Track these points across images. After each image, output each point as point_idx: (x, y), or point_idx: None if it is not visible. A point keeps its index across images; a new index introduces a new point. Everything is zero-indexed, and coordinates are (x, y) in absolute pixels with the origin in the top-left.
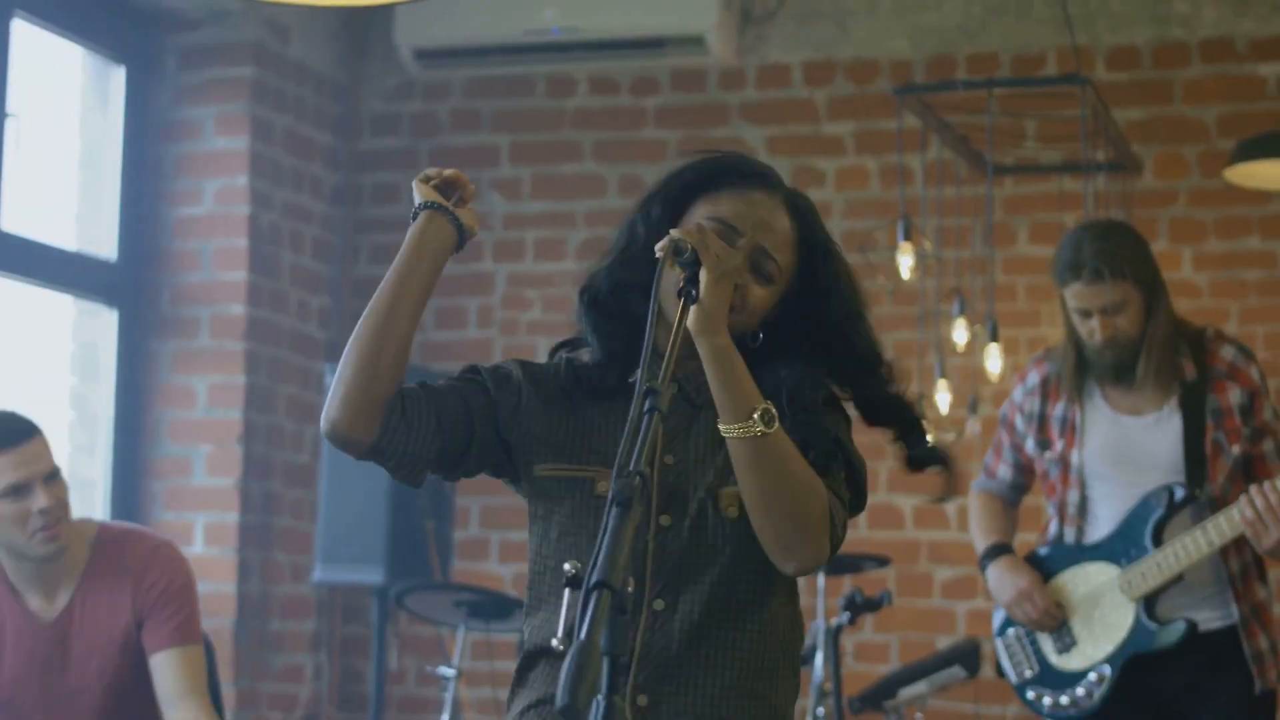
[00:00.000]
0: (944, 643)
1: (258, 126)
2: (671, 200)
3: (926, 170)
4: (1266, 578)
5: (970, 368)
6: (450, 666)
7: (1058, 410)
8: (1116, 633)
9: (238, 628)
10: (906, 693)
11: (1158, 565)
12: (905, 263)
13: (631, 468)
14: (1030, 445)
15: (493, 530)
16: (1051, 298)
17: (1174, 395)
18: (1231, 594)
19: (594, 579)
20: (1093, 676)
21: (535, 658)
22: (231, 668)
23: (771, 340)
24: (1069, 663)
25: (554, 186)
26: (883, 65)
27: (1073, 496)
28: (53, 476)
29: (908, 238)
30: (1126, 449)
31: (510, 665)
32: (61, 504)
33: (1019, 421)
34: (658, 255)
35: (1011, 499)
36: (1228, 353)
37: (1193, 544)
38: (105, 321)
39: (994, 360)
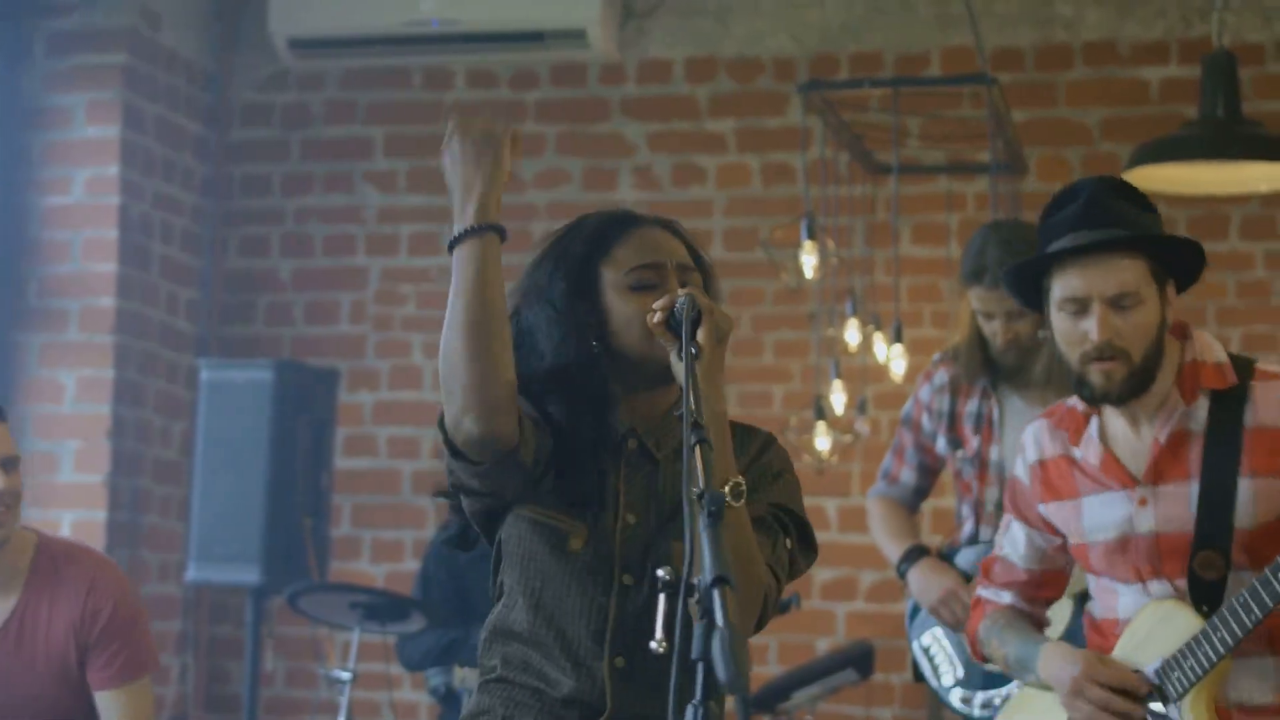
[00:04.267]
0: (823, 645)
1: (129, 115)
2: (574, 275)
3: (810, 169)
4: None
5: (860, 368)
6: (345, 669)
7: (970, 407)
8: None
9: None
10: (799, 695)
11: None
12: (809, 262)
13: (700, 488)
14: (941, 444)
15: (365, 529)
16: (936, 297)
17: None
18: None
19: (713, 575)
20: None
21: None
22: None
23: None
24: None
25: (430, 180)
26: (765, 63)
27: (991, 494)
28: (12, 464)
29: (811, 237)
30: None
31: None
32: (15, 494)
33: (926, 421)
34: (654, 323)
35: (913, 504)
36: None
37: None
38: None
39: (898, 361)
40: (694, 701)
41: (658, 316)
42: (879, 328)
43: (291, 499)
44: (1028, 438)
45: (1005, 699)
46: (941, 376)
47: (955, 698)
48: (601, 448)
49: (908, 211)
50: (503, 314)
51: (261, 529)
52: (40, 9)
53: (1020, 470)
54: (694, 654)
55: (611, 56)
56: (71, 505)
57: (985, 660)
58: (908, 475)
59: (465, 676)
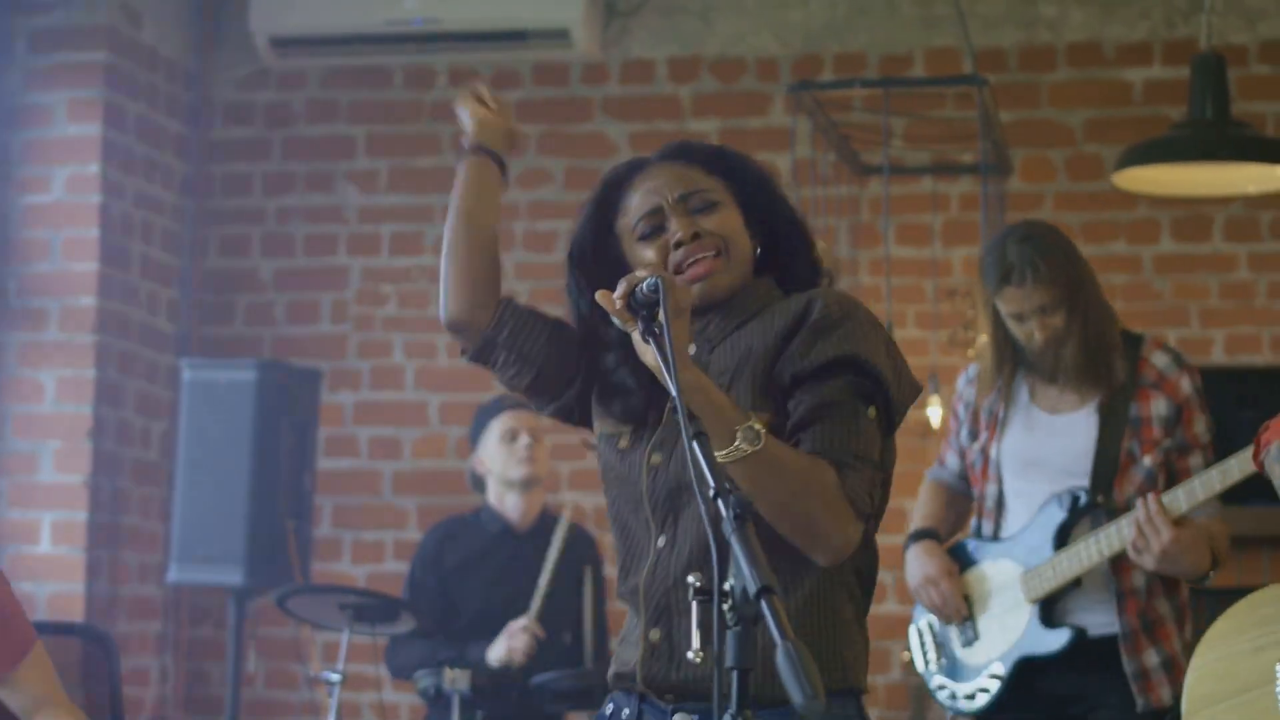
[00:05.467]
0: None
1: (110, 113)
2: (594, 241)
3: (793, 170)
4: (1178, 591)
5: None
6: (335, 671)
7: (987, 402)
8: (1012, 633)
9: None
10: None
11: (1054, 569)
12: None
13: (714, 489)
14: (964, 434)
15: (346, 530)
16: (920, 299)
17: (1097, 398)
18: (1119, 605)
19: (758, 585)
20: (988, 673)
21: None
22: None
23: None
24: (970, 657)
25: (411, 179)
26: (749, 63)
27: (990, 490)
28: None
29: None
30: (1039, 448)
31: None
32: None
33: (960, 410)
34: (615, 309)
35: (960, 488)
36: (1159, 360)
37: (1085, 552)
38: None
39: None
40: (731, 711)
41: (617, 304)
42: None
43: (274, 500)
44: None
45: (972, 694)
46: (975, 368)
47: (935, 684)
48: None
49: (892, 212)
50: (473, 226)
51: (244, 530)
52: (21, 6)
53: None
54: (730, 662)
55: (594, 56)
56: (52, 506)
57: (1263, 471)
58: (951, 460)
59: (455, 678)
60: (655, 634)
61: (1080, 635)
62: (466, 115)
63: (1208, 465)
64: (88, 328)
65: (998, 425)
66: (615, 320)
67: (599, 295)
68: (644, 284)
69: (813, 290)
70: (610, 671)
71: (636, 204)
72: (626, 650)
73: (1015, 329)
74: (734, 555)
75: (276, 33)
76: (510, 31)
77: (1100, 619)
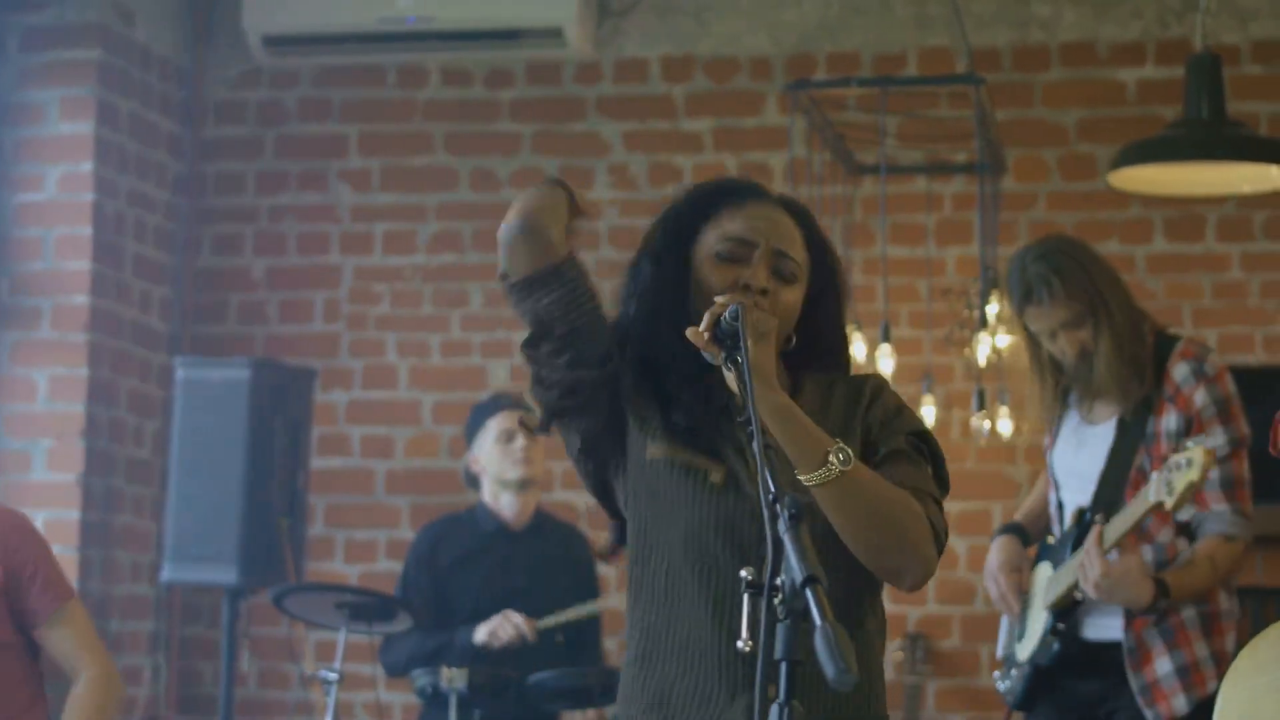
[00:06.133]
0: None
1: (103, 111)
2: (673, 237)
3: (786, 169)
4: (1209, 597)
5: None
6: (332, 669)
7: (1056, 411)
8: (1034, 637)
9: None
10: None
11: (1059, 579)
12: None
13: (773, 493)
14: (1046, 440)
15: (338, 529)
16: (914, 298)
17: (1120, 410)
18: (1125, 619)
19: (804, 576)
20: (1021, 669)
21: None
22: None
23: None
24: (1019, 650)
25: (404, 178)
26: (742, 62)
27: (1053, 497)
28: None
29: None
30: (1076, 458)
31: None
32: None
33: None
34: (703, 342)
35: None
36: (1179, 372)
37: (1066, 574)
38: None
39: (886, 360)
40: (779, 700)
41: (705, 336)
42: (859, 328)
43: (268, 499)
44: None
45: (1010, 687)
46: None
47: (997, 671)
48: (711, 395)
49: (886, 212)
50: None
51: (238, 529)
52: (13, 4)
53: None
54: (779, 654)
55: (588, 55)
56: (44, 505)
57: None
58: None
59: (453, 676)
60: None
61: (1068, 647)
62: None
63: (1225, 479)
64: (80, 326)
65: (1054, 436)
66: (705, 355)
67: (689, 332)
68: (726, 313)
69: (877, 377)
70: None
71: (736, 227)
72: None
73: (1048, 345)
74: (786, 552)
75: (269, 31)
76: (504, 30)
77: (1113, 623)
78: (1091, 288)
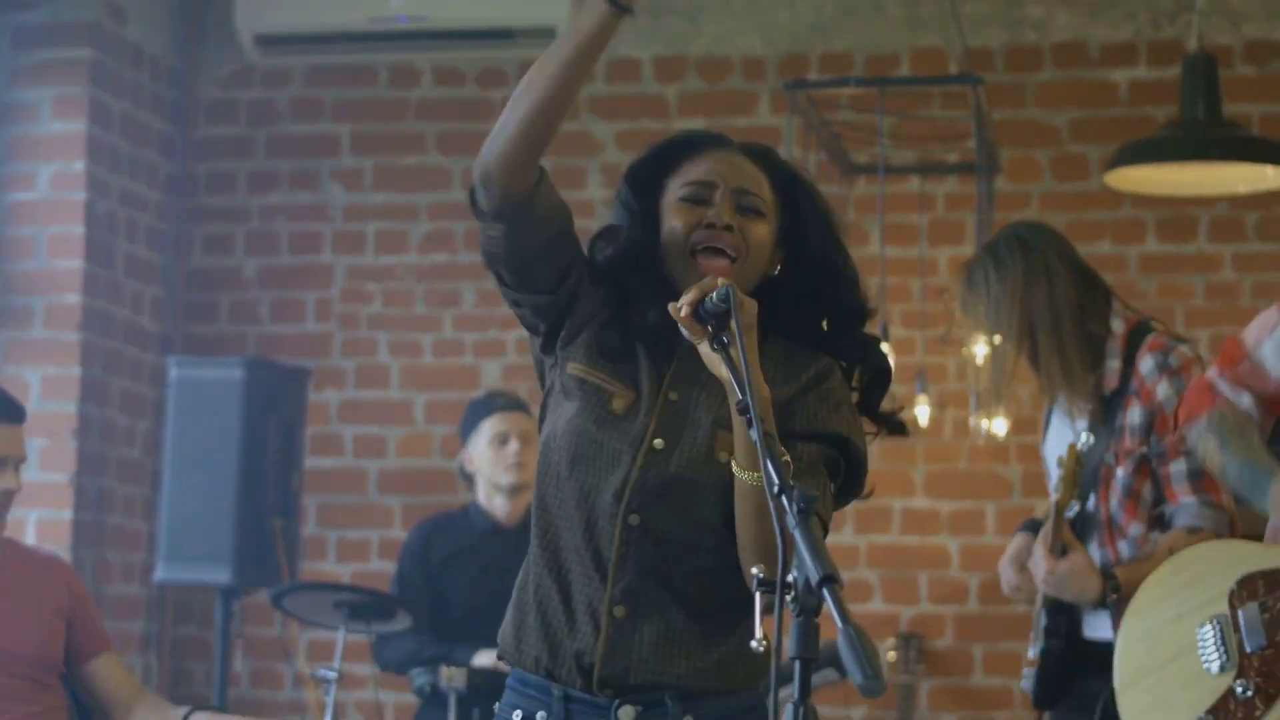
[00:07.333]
0: None
1: (96, 110)
2: (640, 188)
3: None
4: None
5: None
6: (331, 669)
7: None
8: (1039, 635)
9: None
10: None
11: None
12: None
13: (779, 487)
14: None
15: (331, 529)
16: (907, 298)
17: (1093, 405)
18: (1112, 614)
19: (821, 574)
20: (1030, 668)
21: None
22: None
23: (773, 303)
24: (1031, 649)
25: (396, 178)
26: (735, 62)
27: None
28: (19, 465)
29: None
30: (1056, 450)
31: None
32: (11, 494)
33: None
34: (681, 316)
35: None
36: (1145, 365)
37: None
38: None
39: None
40: (794, 700)
41: (684, 310)
42: None
43: (262, 499)
44: None
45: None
46: None
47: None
48: (660, 335)
49: (875, 211)
50: (573, 80)
51: (232, 529)
52: (5, 3)
53: None
54: (792, 652)
55: None
56: (37, 505)
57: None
58: None
59: (452, 676)
60: (620, 611)
61: (1055, 645)
62: None
63: (1192, 471)
64: (73, 326)
65: (1045, 427)
66: (683, 330)
67: (669, 307)
68: (714, 294)
69: (828, 361)
70: (510, 660)
71: (697, 170)
72: (586, 537)
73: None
74: (798, 548)
75: (261, 30)
76: (496, 30)
77: (1108, 622)
78: (995, 301)
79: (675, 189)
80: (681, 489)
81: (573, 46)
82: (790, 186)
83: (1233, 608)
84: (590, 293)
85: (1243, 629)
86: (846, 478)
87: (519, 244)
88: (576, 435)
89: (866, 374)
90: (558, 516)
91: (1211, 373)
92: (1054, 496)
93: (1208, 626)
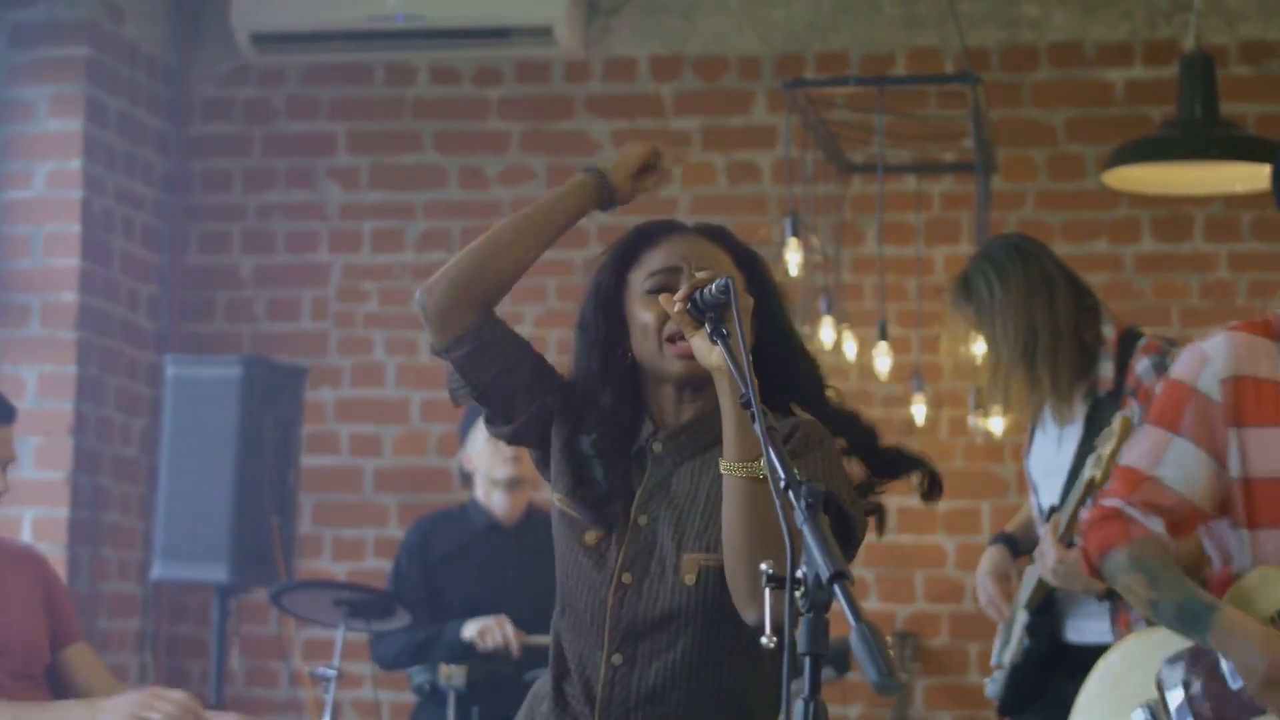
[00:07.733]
0: None
1: (92, 108)
2: (604, 298)
3: (775, 168)
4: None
5: (832, 366)
6: (330, 667)
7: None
8: (1015, 639)
9: None
10: None
11: (1032, 576)
12: (794, 260)
13: (784, 480)
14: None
15: (327, 527)
16: (903, 297)
17: (1086, 408)
18: (1111, 615)
19: (832, 570)
20: (1001, 672)
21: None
22: None
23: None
24: (1004, 655)
25: (392, 176)
26: (731, 61)
27: (1033, 500)
28: (7, 465)
29: (795, 234)
30: (1050, 459)
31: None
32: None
33: None
34: (675, 311)
35: None
36: (1141, 366)
37: (1033, 570)
38: None
39: (883, 359)
40: (804, 696)
41: (677, 306)
42: (849, 326)
43: (258, 497)
44: (1218, 348)
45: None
46: None
47: (987, 679)
48: (629, 451)
49: (871, 210)
50: (540, 239)
51: (229, 527)
52: (2, 1)
53: (1207, 383)
54: (802, 648)
55: (577, 54)
56: (33, 503)
57: (1098, 574)
58: None
59: (451, 674)
60: (617, 658)
61: (1039, 647)
62: (632, 151)
63: None
64: (69, 324)
65: (1029, 439)
66: (674, 323)
67: (662, 299)
68: (713, 285)
69: (794, 419)
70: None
71: (658, 260)
72: (579, 668)
73: None
74: (806, 543)
75: (257, 29)
76: (493, 29)
77: (1099, 626)
78: (986, 307)
79: (639, 282)
80: (658, 627)
81: (554, 206)
82: (751, 264)
83: (1160, 691)
84: (562, 420)
85: (1172, 713)
86: (841, 531)
87: (471, 374)
88: (564, 566)
89: (856, 442)
90: (569, 625)
91: (1114, 501)
92: (1054, 498)
93: (1140, 711)
